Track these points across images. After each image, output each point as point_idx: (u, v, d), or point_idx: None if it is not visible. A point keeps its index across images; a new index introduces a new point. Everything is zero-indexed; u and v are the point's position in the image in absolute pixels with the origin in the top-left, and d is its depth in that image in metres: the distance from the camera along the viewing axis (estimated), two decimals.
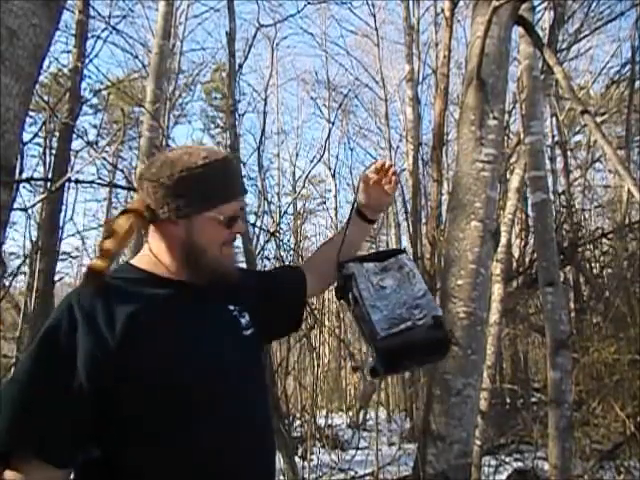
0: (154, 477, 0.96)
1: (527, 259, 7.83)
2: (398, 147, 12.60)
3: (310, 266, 1.38)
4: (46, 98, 6.90)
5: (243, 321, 1.13)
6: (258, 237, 4.72)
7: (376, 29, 12.44)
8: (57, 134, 6.34)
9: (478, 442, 4.29)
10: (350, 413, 9.08)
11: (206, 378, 1.01)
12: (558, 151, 9.81)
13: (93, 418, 0.95)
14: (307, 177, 7.20)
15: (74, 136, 6.28)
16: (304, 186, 12.48)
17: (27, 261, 5.28)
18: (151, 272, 1.07)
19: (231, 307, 1.13)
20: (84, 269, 1.03)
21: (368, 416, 9.14)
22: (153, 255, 1.08)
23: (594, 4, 7.64)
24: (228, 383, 1.03)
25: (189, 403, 0.98)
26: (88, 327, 0.96)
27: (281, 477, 4.13)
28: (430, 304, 1.15)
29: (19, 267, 4.77)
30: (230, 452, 0.99)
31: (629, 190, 2.27)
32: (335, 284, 1.29)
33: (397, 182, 1.33)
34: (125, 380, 0.95)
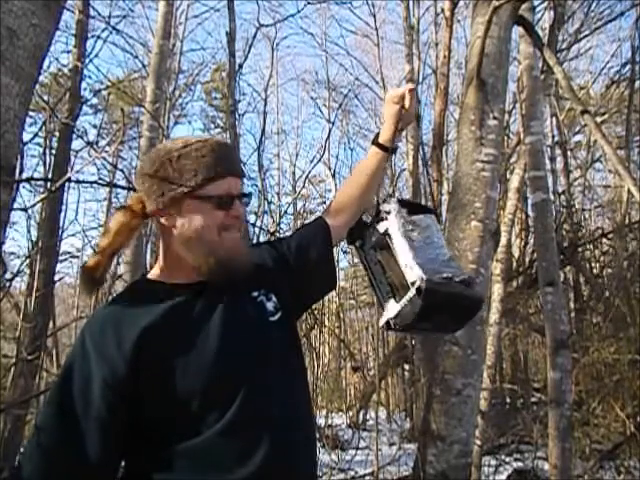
0: None
1: (527, 259, 7.84)
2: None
3: (334, 209, 1.28)
4: (46, 98, 6.90)
5: (270, 305, 1.09)
6: (258, 237, 4.72)
7: (376, 29, 12.46)
8: (57, 134, 6.34)
9: (478, 442, 4.29)
10: (350, 413, 9.08)
11: (223, 381, 0.98)
12: (558, 151, 9.80)
13: (122, 439, 0.97)
14: (307, 177, 7.20)
15: (74, 136, 6.27)
16: (304, 186, 12.50)
17: (27, 261, 5.27)
18: (164, 282, 1.05)
19: (255, 294, 1.09)
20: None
21: (368, 416, 9.15)
22: (163, 263, 1.07)
23: (594, 4, 7.67)
24: (251, 381, 0.99)
25: (209, 408, 0.96)
26: (98, 355, 0.97)
27: None
28: (459, 268, 1.10)
29: (19, 267, 4.76)
30: (257, 452, 0.96)
31: (629, 190, 2.27)
32: (361, 218, 1.20)
33: (413, 97, 1.27)
34: (142, 395, 0.96)
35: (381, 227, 1.13)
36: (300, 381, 1.12)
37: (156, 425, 0.97)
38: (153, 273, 1.09)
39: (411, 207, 1.17)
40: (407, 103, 1.26)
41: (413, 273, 1.04)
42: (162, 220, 1.04)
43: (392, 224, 1.11)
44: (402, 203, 1.16)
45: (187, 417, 0.96)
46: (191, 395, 0.96)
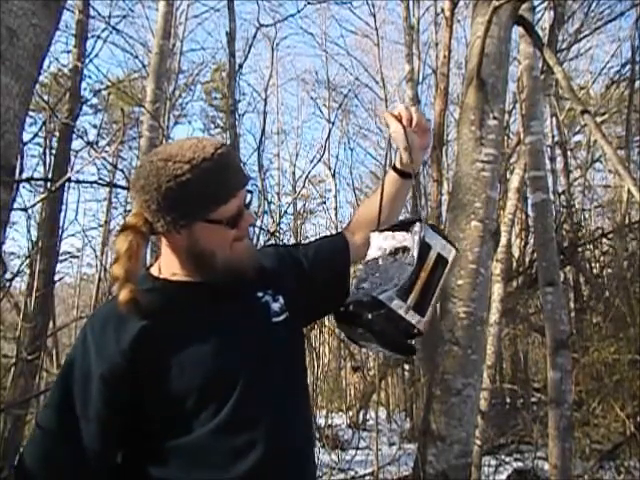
0: None
1: (527, 259, 7.84)
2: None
3: (352, 229, 1.27)
4: (46, 98, 6.90)
5: (275, 306, 1.08)
6: (258, 237, 4.72)
7: (376, 29, 12.46)
8: (57, 134, 6.34)
9: (478, 442, 4.29)
10: (350, 413, 9.08)
11: (220, 379, 0.98)
12: (558, 151, 9.80)
13: (119, 435, 0.98)
14: (307, 177, 7.19)
15: (74, 136, 6.27)
16: (304, 186, 12.48)
17: (27, 261, 5.27)
18: (166, 279, 1.05)
19: (260, 294, 1.08)
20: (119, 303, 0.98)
21: (368, 416, 9.15)
22: (165, 262, 1.06)
23: (594, 4, 7.67)
24: (249, 379, 0.99)
25: (206, 405, 0.96)
26: (98, 352, 0.97)
27: None
28: (386, 286, 1.02)
29: (19, 267, 4.76)
30: (253, 452, 0.96)
31: (629, 190, 2.27)
32: None
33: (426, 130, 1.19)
34: (140, 392, 0.96)
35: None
36: (300, 382, 1.11)
37: (154, 422, 0.97)
38: (156, 269, 1.08)
39: (405, 224, 1.13)
40: (390, 125, 1.16)
41: None
42: (171, 236, 1.02)
43: (366, 257, 1.14)
44: (384, 229, 1.15)
45: (184, 414, 0.96)
46: (188, 392, 0.96)
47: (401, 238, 1.10)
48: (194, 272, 1.04)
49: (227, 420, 0.96)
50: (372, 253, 1.13)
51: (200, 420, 0.96)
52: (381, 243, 1.13)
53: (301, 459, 1.04)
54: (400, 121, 1.15)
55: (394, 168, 1.23)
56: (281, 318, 1.08)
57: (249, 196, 1.06)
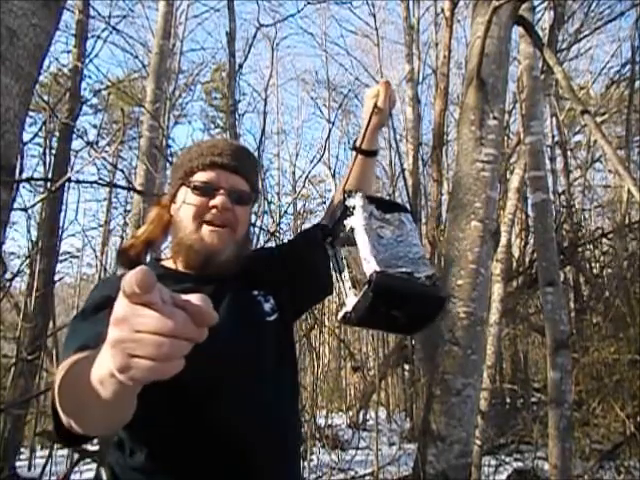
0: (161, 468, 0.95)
1: (527, 259, 7.83)
2: (398, 147, 12.56)
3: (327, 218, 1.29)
4: (46, 98, 6.91)
5: (267, 306, 1.10)
6: (258, 237, 4.72)
7: (376, 29, 12.45)
8: (57, 134, 6.35)
9: (478, 442, 4.29)
10: (350, 413, 9.08)
11: (209, 370, 0.95)
12: (558, 151, 9.80)
13: None
14: (307, 177, 7.18)
15: (74, 136, 6.29)
16: (304, 186, 12.49)
17: (27, 261, 5.28)
18: (170, 268, 1.08)
19: (255, 292, 1.10)
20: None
21: (368, 416, 9.15)
22: (172, 250, 1.09)
23: (594, 4, 7.67)
24: (236, 374, 0.99)
25: (191, 395, 0.95)
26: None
27: None
28: (427, 267, 1.02)
29: (19, 267, 4.77)
30: (225, 449, 0.95)
31: (629, 190, 2.27)
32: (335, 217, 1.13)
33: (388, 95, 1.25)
34: None
35: (347, 223, 1.08)
36: (288, 385, 1.11)
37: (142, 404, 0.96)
38: (168, 261, 1.11)
39: (384, 205, 1.11)
40: (380, 99, 1.23)
41: (369, 266, 0.99)
42: (171, 210, 1.11)
43: (356, 219, 1.07)
44: (371, 200, 1.10)
45: (168, 401, 0.93)
46: (176, 386, 0.94)
47: (392, 218, 1.09)
48: (177, 257, 1.07)
49: (212, 416, 0.95)
50: (366, 220, 1.07)
51: (185, 412, 0.94)
52: (372, 219, 1.08)
53: (284, 461, 1.04)
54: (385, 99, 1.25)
55: (361, 151, 1.26)
56: (272, 318, 1.10)
57: (251, 194, 1.10)
